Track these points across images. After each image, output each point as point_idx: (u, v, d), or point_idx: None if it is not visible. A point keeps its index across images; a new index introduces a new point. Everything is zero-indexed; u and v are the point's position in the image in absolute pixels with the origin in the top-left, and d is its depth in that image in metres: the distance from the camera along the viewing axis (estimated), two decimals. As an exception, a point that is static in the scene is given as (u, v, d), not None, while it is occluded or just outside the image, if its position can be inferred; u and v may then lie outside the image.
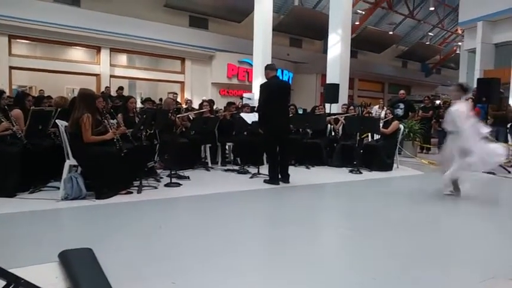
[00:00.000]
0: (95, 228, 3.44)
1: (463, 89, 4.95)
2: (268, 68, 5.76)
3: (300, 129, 8.00)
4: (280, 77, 18.01)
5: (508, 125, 8.29)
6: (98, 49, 15.58)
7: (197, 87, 18.10)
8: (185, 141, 6.77)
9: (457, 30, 24.22)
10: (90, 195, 4.31)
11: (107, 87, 13.35)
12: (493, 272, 2.57)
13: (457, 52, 25.41)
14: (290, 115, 6.78)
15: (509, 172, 7.21)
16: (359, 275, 2.53)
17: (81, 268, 2.33)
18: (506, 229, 3.81)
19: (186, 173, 6.04)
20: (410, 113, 10.24)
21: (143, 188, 4.81)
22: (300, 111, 10.92)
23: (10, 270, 1.74)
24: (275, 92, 5.57)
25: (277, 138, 5.60)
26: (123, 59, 16.85)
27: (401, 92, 10.60)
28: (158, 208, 4.24)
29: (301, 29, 20.77)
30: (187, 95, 17.36)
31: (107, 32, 14.82)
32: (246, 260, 2.77)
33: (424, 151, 10.72)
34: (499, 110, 8.23)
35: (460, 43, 23.10)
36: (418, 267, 2.68)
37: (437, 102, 15.25)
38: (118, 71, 16.19)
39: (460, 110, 4.74)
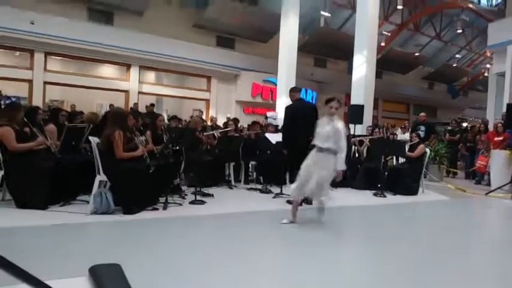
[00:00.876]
0: (123, 243, 3.53)
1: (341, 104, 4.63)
2: (293, 90, 5.87)
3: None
4: (304, 96, 18.24)
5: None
6: (128, 66, 16.12)
7: (222, 105, 18.41)
8: (210, 158, 6.88)
9: (485, 52, 23.88)
10: (117, 210, 4.43)
11: (135, 103, 13.74)
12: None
13: (485, 75, 24.95)
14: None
15: None
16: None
17: (111, 284, 2.40)
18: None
19: (210, 190, 6.13)
20: (432, 135, 10.07)
21: (169, 205, 4.90)
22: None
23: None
24: (299, 114, 5.66)
25: (300, 158, 5.63)
26: (151, 76, 17.35)
27: (422, 114, 10.48)
28: (183, 225, 4.31)
29: (326, 49, 20.92)
30: (212, 112, 17.66)
31: (137, 50, 15.34)
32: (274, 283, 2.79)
33: (451, 175, 10.51)
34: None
35: (488, 65, 22.71)
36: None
37: (464, 125, 14.97)
38: (146, 88, 16.68)
39: (344, 129, 4.41)
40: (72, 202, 4.84)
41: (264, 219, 4.92)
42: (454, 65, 27.10)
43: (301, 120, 5.64)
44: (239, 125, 9.78)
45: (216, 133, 7.79)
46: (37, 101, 13.59)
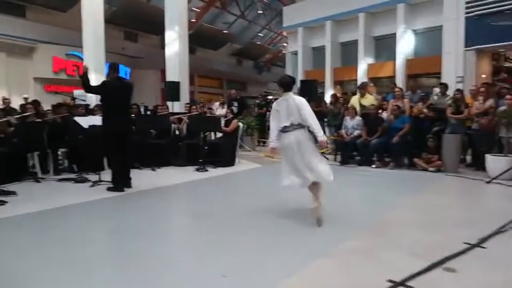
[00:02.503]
0: None
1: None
2: (113, 67, 5.48)
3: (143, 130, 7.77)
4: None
5: (325, 119, 9.67)
6: None
7: (16, 84, 15.68)
8: (5, 150, 5.85)
9: (282, 32, 27.02)
10: None
11: None
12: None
13: (284, 52, 28.32)
14: (132, 116, 6.57)
15: (327, 159, 8.46)
16: (207, 271, 2.65)
17: None
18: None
19: (11, 187, 5.24)
20: (245, 110, 10.96)
21: (-47, 213, 3.98)
22: (142, 109, 10.58)
23: None
24: (116, 92, 5.32)
25: (119, 141, 5.34)
26: None
27: (233, 92, 11.25)
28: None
29: (136, 22, 20.06)
30: (2, 93, 14.86)
31: None
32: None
33: (261, 144, 11.72)
34: (318, 106, 9.57)
35: (285, 44, 25.81)
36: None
37: (270, 97, 16.76)
38: None
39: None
40: None
41: (81, 213, 4.50)
42: (258, 43, 29.80)
43: (119, 98, 5.35)
44: (41, 108, 8.54)
45: (12, 119, 6.63)
46: None
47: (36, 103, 7.51)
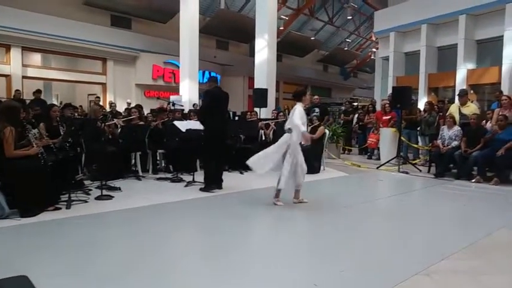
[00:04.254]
0: (24, 251, 3.17)
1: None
2: (213, 78, 6.19)
3: (233, 135, 8.08)
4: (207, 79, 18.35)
5: (418, 128, 9.14)
6: (8, 47, 14.19)
7: (120, 89, 17.38)
8: (113, 149, 6.48)
9: (371, 37, 26.18)
10: (13, 213, 3.97)
11: (17, 90, 12.17)
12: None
13: (372, 57, 27.38)
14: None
15: (420, 171, 7.98)
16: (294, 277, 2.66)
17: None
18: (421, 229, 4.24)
19: (117, 183, 5.79)
20: (326, 116, 10.74)
21: (72, 203, 4.53)
22: (231, 115, 10.99)
23: None
24: (218, 100, 5.77)
25: (218, 144, 5.72)
26: (37, 58, 15.56)
27: (316, 97, 11.10)
28: (90, 224, 4.02)
29: (228, 31, 20.93)
30: (109, 97, 16.59)
31: (18, 30, 13.58)
32: (191, 280, 2.77)
33: (346, 152, 11.45)
34: (411, 114, 9.07)
35: (374, 49, 24.96)
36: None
37: (355, 104, 16.30)
38: (31, 72, 14.91)
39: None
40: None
41: (176, 210, 4.83)
42: (345, 48, 29.26)
43: (220, 106, 5.79)
44: (142, 112, 9.32)
45: (119, 122, 7.35)
46: None
47: (139, 107, 8.22)
